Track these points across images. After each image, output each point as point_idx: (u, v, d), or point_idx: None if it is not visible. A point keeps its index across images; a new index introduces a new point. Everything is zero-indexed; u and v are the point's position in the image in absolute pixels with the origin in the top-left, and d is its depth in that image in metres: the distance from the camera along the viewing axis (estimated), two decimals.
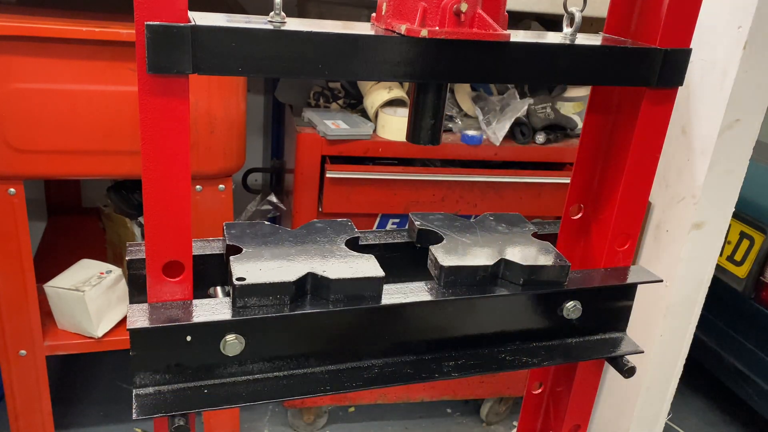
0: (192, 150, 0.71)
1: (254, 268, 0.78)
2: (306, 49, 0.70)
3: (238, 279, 0.75)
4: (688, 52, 0.87)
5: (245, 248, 0.83)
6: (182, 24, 0.64)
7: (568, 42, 0.83)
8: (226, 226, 0.87)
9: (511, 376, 2.18)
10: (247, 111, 1.60)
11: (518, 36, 0.80)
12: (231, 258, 0.80)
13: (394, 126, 1.85)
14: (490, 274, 0.86)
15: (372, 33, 0.74)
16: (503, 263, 0.87)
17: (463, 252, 0.87)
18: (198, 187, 1.58)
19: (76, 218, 2.37)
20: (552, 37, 0.84)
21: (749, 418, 2.41)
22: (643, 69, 0.86)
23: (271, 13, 0.70)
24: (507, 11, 0.83)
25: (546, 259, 0.87)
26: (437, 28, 0.72)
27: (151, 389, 0.76)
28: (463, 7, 0.71)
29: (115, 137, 1.46)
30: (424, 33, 0.70)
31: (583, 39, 0.85)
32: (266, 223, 0.89)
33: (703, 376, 2.45)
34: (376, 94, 1.90)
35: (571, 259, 1.04)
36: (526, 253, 0.88)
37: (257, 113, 2.53)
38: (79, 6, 1.67)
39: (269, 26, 0.69)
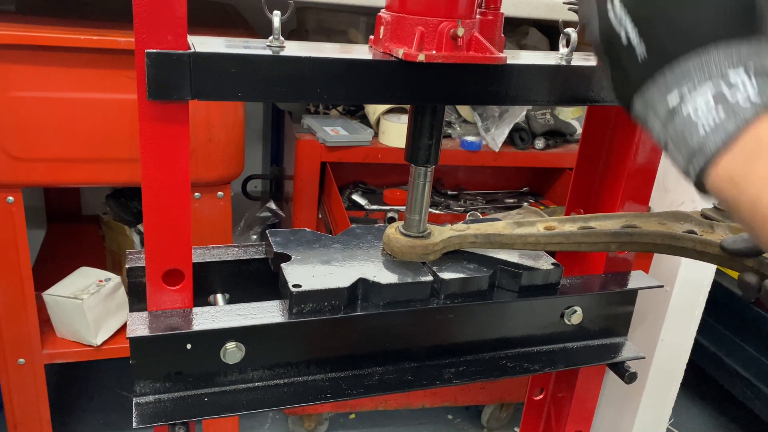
0: (190, 157, 0.71)
1: (308, 275, 0.80)
2: (305, 74, 0.70)
3: (295, 286, 0.77)
4: None
5: (293, 255, 0.84)
6: (182, 51, 0.65)
7: (564, 63, 0.83)
8: (269, 233, 0.89)
9: (511, 382, 2.18)
10: (247, 118, 1.60)
11: (514, 58, 0.81)
12: (283, 265, 0.82)
13: (396, 132, 1.85)
14: (489, 282, 0.86)
15: (370, 57, 0.75)
16: (499, 270, 0.87)
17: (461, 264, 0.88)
18: (196, 194, 1.58)
19: (76, 226, 2.36)
20: (548, 58, 0.85)
21: (751, 422, 2.41)
22: None
23: (270, 38, 0.71)
24: (506, 18, 0.83)
25: (539, 265, 0.87)
26: (434, 52, 0.72)
27: (151, 397, 0.75)
28: (460, 31, 0.71)
29: (113, 145, 1.46)
30: (421, 57, 0.70)
31: (579, 59, 0.86)
32: (308, 230, 0.91)
33: (704, 380, 2.45)
34: None
35: (572, 265, 1.04)
36: (520, 259, 0.88)
37: (257, 120, 2.54)
38: (77, 14, 1.67)
39: (268, 51, 0.69)
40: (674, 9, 0.47)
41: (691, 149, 0.47)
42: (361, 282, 0.81)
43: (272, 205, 2.25)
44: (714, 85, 0.45)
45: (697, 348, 1.74)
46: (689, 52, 0.46)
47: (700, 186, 0.48)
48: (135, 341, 0.72)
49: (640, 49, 0.49)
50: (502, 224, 0.89)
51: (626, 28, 0.49)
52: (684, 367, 1.70)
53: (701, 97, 0.46)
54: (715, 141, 0.45)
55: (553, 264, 0.88)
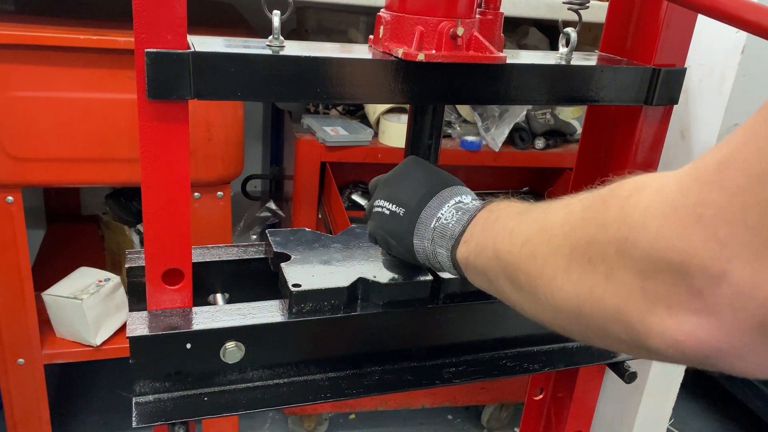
0: (190, 157, 0.71)
1: (308, 275, 0.80)
2: (304, 74, 0.70)
3: (294, 285, 0.77)
4: (683, 71, 0.87)
5: (293, 255, 0.85)
6: (182, 51, 0.65)
7: (563, 63, 0.83)
8: (269, 233, 0.89)
9: (511, 382, 2.18)
10: (246, 117, 1.60)
11: (514, 57, 0.81)
12: (282, 264, 0.82)
13: (396, 132, 1.85)
14: None
15: (369, 57, 0.75)
16: None
17: None
18: (196, 194, 1.58)
19: (75, 226, 2.36)
20: (548, 58, 0.85)
21: (751, 422, 2.41)
22: (637, 88, 0.86)
23: (270, 37, 0.71)
24: (506, 18, 0.83)
25: None
26: (434, 51, 0.72)
27: (150, 397, 0.75)
28: (460, 31, 0.71)
29: (113, 145, 1.46)
30: (420, 57, 0.71)
31: (579, 59, 0.85)
32: (307, 230, 0.91)
33: (704, 380, 2.45)
34: None
35: None
36: None
37: (256, 120, 2.53)
38: (77, 14, 1.67)
39: (268, 51, 0.69)
40: (411, 191, 0.77)
41: (449, 239, 0.71)
42: (361, 281, 0.81)
43: (272, 205, 2.25)
44: (452, 204, 0.73)
45: None
46: (430, 199, 0.75)
47: (455, 263, 0.70)
48: (135, 341, 0.72)
49: (401, 212, 0.76)
50: None
51: (387, 208, 0.78)
52: (684, 366, 1.70)
53: (447, 212, 0.73)
54: (460, 227, 0.70)
55: None
